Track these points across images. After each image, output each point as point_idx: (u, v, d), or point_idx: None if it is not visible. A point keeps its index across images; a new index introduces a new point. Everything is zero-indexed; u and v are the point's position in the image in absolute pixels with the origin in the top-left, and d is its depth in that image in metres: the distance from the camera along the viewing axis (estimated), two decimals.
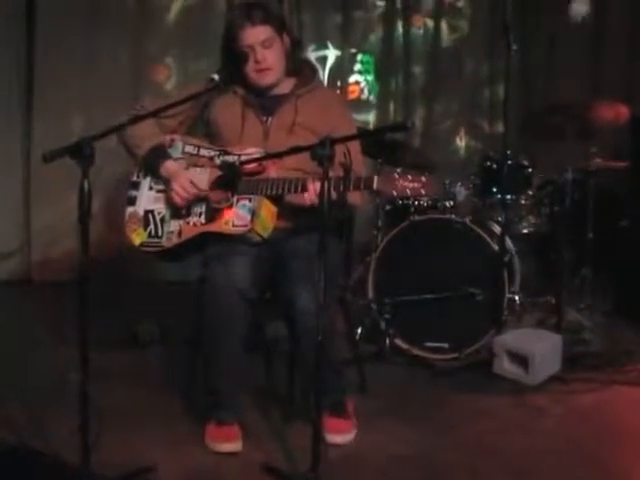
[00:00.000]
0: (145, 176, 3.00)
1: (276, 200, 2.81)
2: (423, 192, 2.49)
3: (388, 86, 5.80)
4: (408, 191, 2.47)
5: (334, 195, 2.49)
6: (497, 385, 3.43)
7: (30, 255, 5.21)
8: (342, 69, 5.70)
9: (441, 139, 5.86)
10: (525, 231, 4.21)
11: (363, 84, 5.79)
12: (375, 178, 2.52)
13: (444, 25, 5.82)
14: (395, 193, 2.49)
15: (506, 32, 3.59)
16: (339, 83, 5.69)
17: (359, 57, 5.78)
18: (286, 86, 2.98)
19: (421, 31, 5.80)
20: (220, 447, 2.78)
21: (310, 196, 2.63)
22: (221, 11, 5.28)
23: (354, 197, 2.82)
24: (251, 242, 2.81)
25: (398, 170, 2.45)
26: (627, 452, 2.87)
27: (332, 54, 5.66)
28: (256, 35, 2.85)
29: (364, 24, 5.75)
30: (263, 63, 2.88)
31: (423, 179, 2.46)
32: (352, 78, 5.77)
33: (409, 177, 2.46)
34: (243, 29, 2.85)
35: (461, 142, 5.91)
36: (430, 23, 5.80)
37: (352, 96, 5.75)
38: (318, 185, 2.42)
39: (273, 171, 2.80)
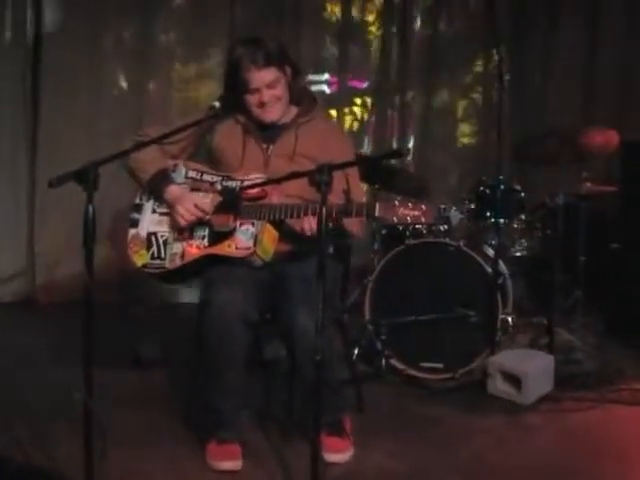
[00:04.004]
0: (148, 199, 3.05)
1: (277, 225, 2.87)
2: (423, 220, 2.52)
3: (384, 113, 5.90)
4: (409, 219, 2.50)
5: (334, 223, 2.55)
6: (491, 404, 3.48)
7: (34, 277, 5.24)
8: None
9: (435, 165, 5.94)
10: (518, 254, 4.27)
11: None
12: (377, 205, 2.55)
13: (438, 49, 5.93)
14: (396, 220, 2.52)
15: (499, 61, 3.68)
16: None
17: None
18: (287, 115, 3.03)
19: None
20: (221, 465, 2.81)
21: (307, 229, 2.70)
22: (223, 42, 5.39)
23: (354, 226, 2.87)
24: (253, 265, 2.88)
25: (398, 198, 2.47)
26: (618, 469, 2.90)
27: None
28: (262, 78, 2.89)
29: (361, 53, 5.85)
30: (269, 103, 2.93)
31: (423, 207, 2.49)
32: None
33: (410, 205, 2.49)
34: (249, 72, 2.88)
35: (455, 167, 5.99)
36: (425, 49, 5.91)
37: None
38: (314, 223, 2.50)
39: (275, 197, 2.85)
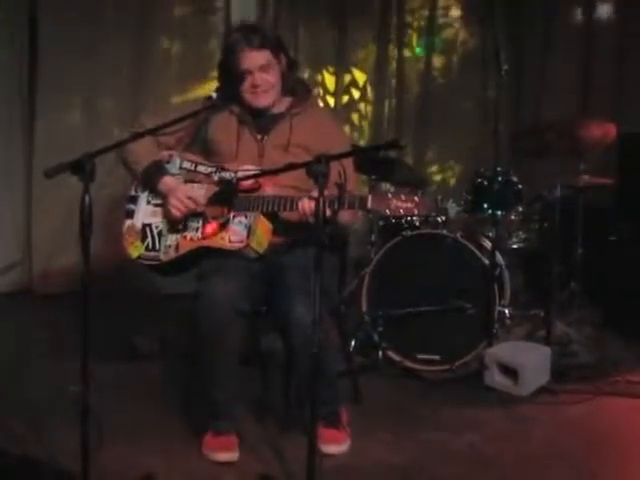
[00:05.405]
0: (143, 191, 3.04)
1: (271, 217, 2.86)
2: (416, 212, 2.50)
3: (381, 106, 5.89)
4: (401, 211, 2.48)
5: (328, 213, 2.54)
6: (488, 396, 3.48)
7: (31, 267, 5.22)
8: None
9: (433, 156, 5.94)
10: (515, 246, 4.28)
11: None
12: (369, 198, 2.54)
13: (436, 44, 5.92)
14: (389, 212, 2.51)
15: (497, 52, 3.67)
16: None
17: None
18: (281, 105, 3.03)
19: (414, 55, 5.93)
20: (217, 456, 2.82)
21: (304, 214, 2.68)
22: (220, 29, 5.40)
23: (347, 216, 2.86)
24: (247, 257, 2.87)
25: (392, 190, 2.45)
26: (615, 462, 2.91)
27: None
28: (255, 60, 2.90)
29: (359, 47, 5.86)
30: (260, 87, 2.93)
31: (416, 199, 2.47)
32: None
33: (402, 197, 2.47)
34: (242, 53, 2.89)
35: (452, 159, 6.00)
36: (423, 46, 5.91)
37: None
38: (311, 203, 2.48)
39: (269, 188, 2.85)
